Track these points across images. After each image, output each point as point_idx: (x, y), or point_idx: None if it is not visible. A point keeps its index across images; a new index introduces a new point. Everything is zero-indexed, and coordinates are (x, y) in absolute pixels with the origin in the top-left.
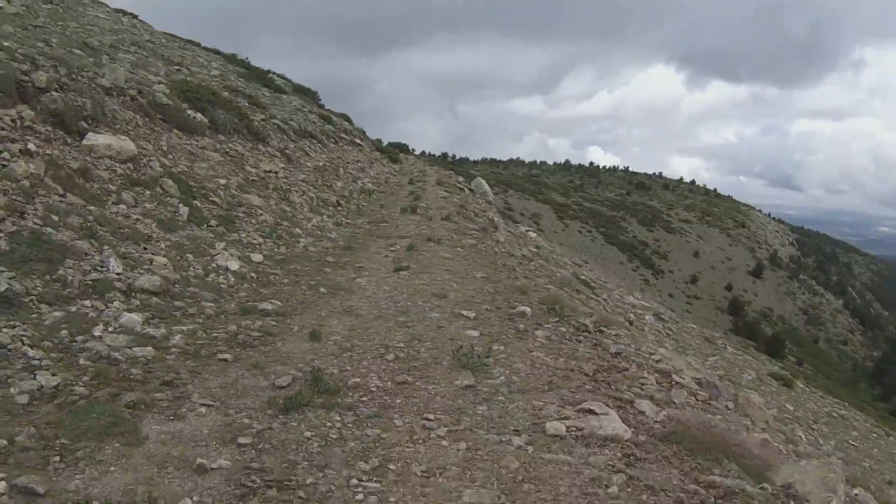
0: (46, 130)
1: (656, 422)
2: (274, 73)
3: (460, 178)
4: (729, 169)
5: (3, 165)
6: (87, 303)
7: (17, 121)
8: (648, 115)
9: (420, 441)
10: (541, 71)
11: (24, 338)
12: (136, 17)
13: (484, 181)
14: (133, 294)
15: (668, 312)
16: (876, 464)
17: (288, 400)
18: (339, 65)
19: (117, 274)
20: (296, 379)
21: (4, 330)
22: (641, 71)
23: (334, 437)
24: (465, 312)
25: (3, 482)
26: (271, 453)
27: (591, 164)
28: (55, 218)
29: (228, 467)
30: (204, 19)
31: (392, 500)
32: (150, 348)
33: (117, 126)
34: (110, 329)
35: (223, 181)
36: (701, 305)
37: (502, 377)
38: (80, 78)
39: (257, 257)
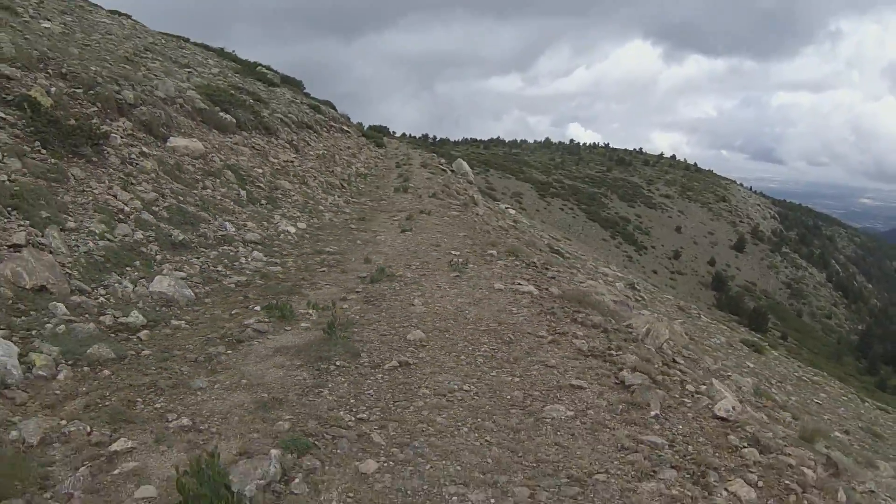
0: (143, 136)
1: (556, 293)
2: (262, 66)
3: (442, 160)
4: (710, 143)
5: (135, 163)
6: (226, 247)
7: (125, 130)
8: (627, 90)
9: (435, 289)
10: (516, 48)
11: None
12: (129, 17)
13: (465, 162)
14: (247, 244)
15: (642, 283)
16: (837, 418)
17: (371, 276)
18: (313, 48)
19: (233, 232)
20: (369, 273)
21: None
22: (619, 46)
23: (397, 290)
24: (453, 252)
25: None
26: (371, 294)
27: (572, 141)
28: (181, 197)
29: (357, 298)
30: (176, 10)
31: (427, 302)
32: (279, 267)
33: (182, 130)
34: (249, 259)
35: (259, 170)
36: (684, 281)
37: (474, 274)
38: (146, 92)
39: (301, 225)
